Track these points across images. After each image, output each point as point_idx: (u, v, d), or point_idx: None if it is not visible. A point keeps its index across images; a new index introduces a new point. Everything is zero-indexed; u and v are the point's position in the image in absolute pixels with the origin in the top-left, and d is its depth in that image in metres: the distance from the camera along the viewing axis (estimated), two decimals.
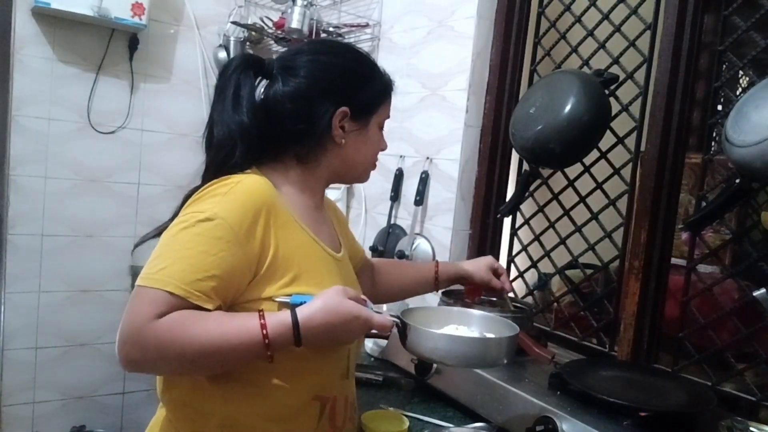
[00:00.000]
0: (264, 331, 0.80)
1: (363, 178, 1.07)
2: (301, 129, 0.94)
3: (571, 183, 1.60)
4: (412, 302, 1.48)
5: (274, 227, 0.87)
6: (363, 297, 0.90)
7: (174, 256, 0.81)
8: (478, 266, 1.27)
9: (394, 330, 0.92)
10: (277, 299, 0.86)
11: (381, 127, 1.03)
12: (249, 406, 0.88)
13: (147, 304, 0.78)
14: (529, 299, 1.71)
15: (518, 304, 1.54)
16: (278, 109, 0.94)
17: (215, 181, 0.87)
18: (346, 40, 2.29)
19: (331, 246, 1.00)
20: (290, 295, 0.86)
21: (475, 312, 1.10)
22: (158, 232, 0.90)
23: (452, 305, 1.28)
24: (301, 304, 0.84)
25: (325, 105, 0.94)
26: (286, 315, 0.82)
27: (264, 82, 0.97)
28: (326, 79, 0.95)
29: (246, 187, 0.87)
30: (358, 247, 1.26)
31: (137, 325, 0.77)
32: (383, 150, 1.06)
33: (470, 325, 1.05)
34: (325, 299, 0.83)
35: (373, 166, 1.06)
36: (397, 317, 0.94)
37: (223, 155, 0.91)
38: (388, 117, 1.04)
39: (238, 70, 0.93)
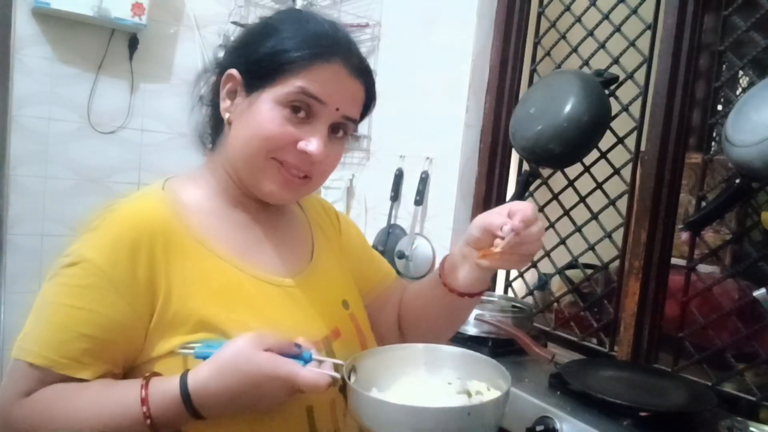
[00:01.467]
0: (144, 408, 0.62)
1: (255, 181, 0.74)
2: (210, 110, 0.80)
3: (571, 183, 1.60)
4: None
5: (165, 259, 0.68)
6: (300, 341, 0.68)
7: (38, 317, 0.67)
8: (470, 231, 0.80)
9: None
10: (180, 351, 0.66)
11: (289, 107, 0.72)
12: (237, 418, 0.68)
13: (13, 380, 0.66)
14: (529, 299, 1.71)
15: (518, 304, 1.54)
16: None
17: (95, 213, 0.72)
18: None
19: (274, 269, 0.77)
20: (199, 342, 0.67)
21: (448, 349, 0.79)
22: None
23: None
24: (205, 357, 0.64)
25: (221, 69, 0.77)
26: (173, 384, 0.63)
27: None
28: (236, 40, 0.79)
29: (119, 215, 0.70)
30: (379, 268, 1.00)
31: (2, 406, 0.66)
32: (302, 150, 0.72)
33: (442, 369, 0.76)
34: (226, 357, 0.63)
35: (266, 163, 0.73)
36: (341, 367, 0.68)
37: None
38: (310, 94, 0.71)
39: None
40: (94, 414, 0.63)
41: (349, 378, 0.66)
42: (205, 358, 0.64)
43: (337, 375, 0.66)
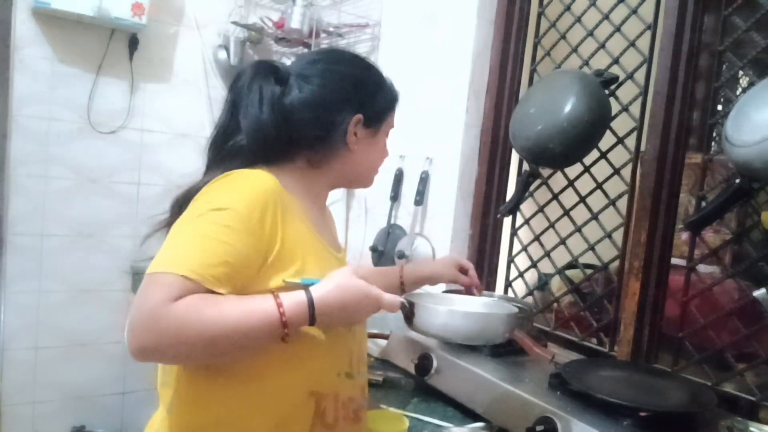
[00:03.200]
0: (281, 309, 0.81)
1: (368, 183, 1.11)
2: (317, 135, 0.98)
3: (571, 183, 1.60)
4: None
5: (281, 220, 0.88)
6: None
7: (187, 243, 0.82)
8: (443, 264, 1.29)
9: (400, 314, 0.98)
10: (287, 281, 0.87)
11: (387, 135, 1.08)
12: (245, 400, 0.89)
13: (161, 288, 0.77)
14: (529, 299, 1.71)
15: (518, 305, 1.54)
16: (295, 115, 0.97)
17: (221, 176, 0.89)
18: (345, 41, 2.29)
19: (333, 245, 1.03)
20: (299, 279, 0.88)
21: (475, 298, 1.20)
22: (160, 228, 0.93)
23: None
24: (309, 285, 0.85)
25: (342, 113, 0.99)
26: (300, 294, 0.83)
27: (278, 88, 0.99)
28: (343, 88, 1.00)
29: (254, 180, 0.90)
30: None
31: (151, 309, 0.76)
32: (386, 157, 1.10)
33: (472, 308, 1.11)
34: (338, 278, 0.86)
35: (377, 172, 1.10)
36: (405, 299, 0.98)
37: (237, 149, 0.95)
38: (393, 126, 1.09)
39: (260, 76, 0.96)
40: (236, 314, 0.79)
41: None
42: (307, 286, 0.85)
43: (405, 300, 0.96)
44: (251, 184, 0.89)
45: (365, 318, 0.93)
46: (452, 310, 1.03)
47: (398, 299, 0.92)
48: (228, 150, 0.96)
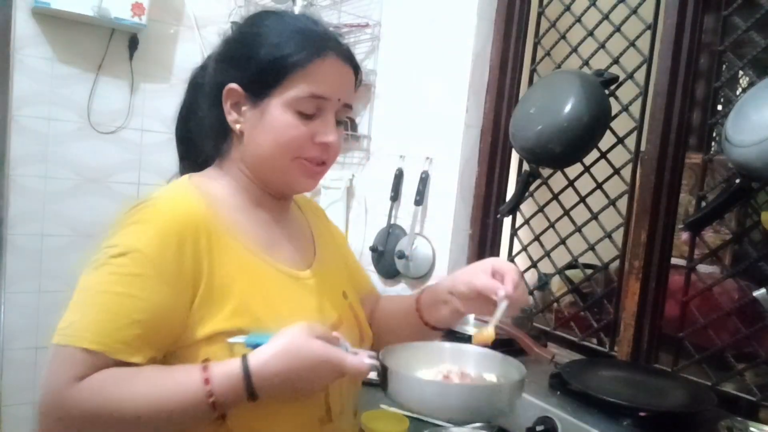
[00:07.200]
0: (208, 387, 0.66)
1: (283, 181, 0.81)
2: (208, 120, 0.83)
3: (571, 183, 1.60)
4: None
5: (206, 250, 0.73)
6: (336, 334, 0.75)
7: (87, 304, 0.69)
8: (468, 274, 0.85)
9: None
10: (230, 340, 0.71)
11: (299, 110, 0.77)
12: None
13: (63, 366, 0.65)
14: (529, 299, 1.71)
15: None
16: (199, 101, 0.85)
17: (132, 206, 0.75)
18: (345, 41, 2.29)
19: (293, 263, 0.84)
20: (245, 333, 0.72)
21: (471, 348, 0.86)
22: None
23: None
24: (257, 346, 0.69)
25: (218, 85, 0.80)
26: (234, 364, 0.67)
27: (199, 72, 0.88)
28: (224, 54, 0.82)
29: (162, 209, 0.74)
30: (363, 277, 1.06)
31: (55, 392, 0.65)
32: (322, 142, 0.79)
33: (466, 365, 0.84)
34: (285, 341, 0.69)
35: (292, 164, 0.79)
36: (377, 358, 0.76)
37: (195, 149, 0.87)
38: (317, 95, 0.77)
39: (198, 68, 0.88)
40: (152, 394, 0.65)
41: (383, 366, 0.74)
42: (255, 346, 0.69)
43: (376, 362, 0.73)
44: (158, 217, 0.72)
45: (323, 387, 0.76)
46: (428, 382, 0.75)
47: (366, 363, 0.72)
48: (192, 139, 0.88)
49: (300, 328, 0.70)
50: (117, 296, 0.68)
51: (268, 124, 0.78)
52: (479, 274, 0.82)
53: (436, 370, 0.81)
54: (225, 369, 0.67)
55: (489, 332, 0.81)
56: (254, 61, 0.77)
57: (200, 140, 0.86)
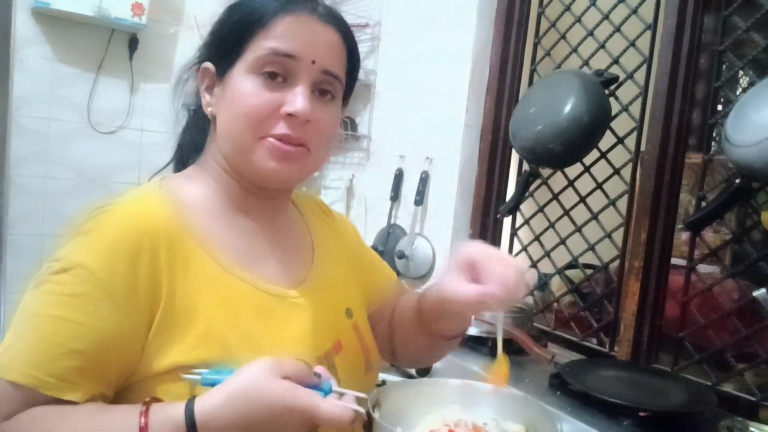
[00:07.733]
0: None
1: (249, 166, 0.67)
2: (189, 110, 0.76)
3: (571, 183, 1.60)
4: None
5: (168, 266, 0.61)
6: (319, 370, 0.61)
7: (19, 329, 0.59)
8: (451, 286, 0.68)
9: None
10: (184, 376, 0.58)
11: (262, 73, 0.66)
12: None
13: None
14: (529, 299, 1.71)
15: (518, 304, 1.54)
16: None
17: (89, 210, 0.67)
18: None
19: (278, 280, 0.71)
20: (211, 366, 0.59)
21: (484, 387, 0.72)
22: None
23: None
24: (214, 384, 0.57)
25: (194, 70, 0.73)
26: (177, 411, 0.55)
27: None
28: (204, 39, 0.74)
29: (117, 216, 0.63)
30: (380, 271, 0.92)
31: None
32: (287, 113, 0.65)
33: (476, 408, 0.70)
34: (241, 382, 0.55)
35: (257, 144, 0.66)
36: (364, 401, 0.60)
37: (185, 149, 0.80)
38: (280, 52, 0.65)
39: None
40: None
41: (373, 412, 0.60)
42: (213, 385, 0.57)
43: (361, 409, 0.58)
44: (111, 225, 0.62)
45: None
46: None
47: (348, 410, 0.57)
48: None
49: (262, 365, 0.56)
50: (53, 320, 0.57)
51: (229, 95, 0.67)
52: (459, 285, 0.66)
53: (440, 418, 0.67)
54: (166, 415, 0.55)
55: (503, 365, 0.67)
56: (218, 32, 0.71)
57: (191, 140, 0.80)
